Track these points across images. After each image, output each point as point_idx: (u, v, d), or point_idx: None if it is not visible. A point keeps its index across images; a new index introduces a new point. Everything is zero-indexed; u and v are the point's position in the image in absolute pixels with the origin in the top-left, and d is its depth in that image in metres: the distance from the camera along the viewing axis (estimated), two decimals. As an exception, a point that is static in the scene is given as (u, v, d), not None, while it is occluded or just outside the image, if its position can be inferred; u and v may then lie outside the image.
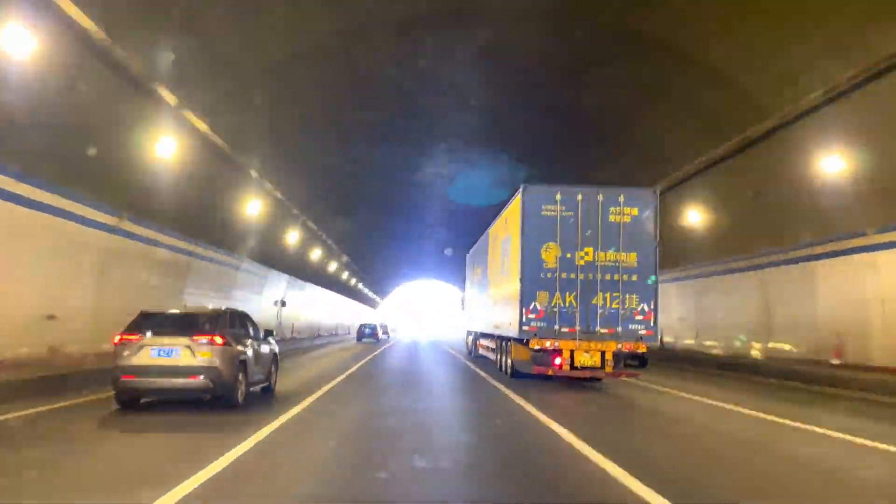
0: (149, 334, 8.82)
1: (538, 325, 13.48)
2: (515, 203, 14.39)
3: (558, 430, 8.34)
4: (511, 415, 10.52)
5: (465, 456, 7.28)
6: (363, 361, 21.81)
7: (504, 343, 16.89)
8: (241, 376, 9.43)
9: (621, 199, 13.78)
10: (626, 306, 13.48)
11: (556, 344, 13.37)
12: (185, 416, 8.81)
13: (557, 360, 13.38)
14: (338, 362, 21.25)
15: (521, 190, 13.92)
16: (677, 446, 8.21)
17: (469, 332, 27.48)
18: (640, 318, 13.47)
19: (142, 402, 9.40)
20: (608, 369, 13.51)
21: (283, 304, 31.12)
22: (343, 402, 11.44)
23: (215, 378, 8.73)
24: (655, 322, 13.55)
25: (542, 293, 13.53)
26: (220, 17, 13.11)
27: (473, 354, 25.68)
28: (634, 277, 13.55)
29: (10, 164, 11.09)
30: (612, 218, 13.67)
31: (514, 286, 14.14)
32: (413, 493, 5.57)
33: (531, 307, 13.50)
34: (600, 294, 13.48)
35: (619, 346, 13.43)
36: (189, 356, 8.66)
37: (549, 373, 13.52)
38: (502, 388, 13.91)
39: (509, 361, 16.18)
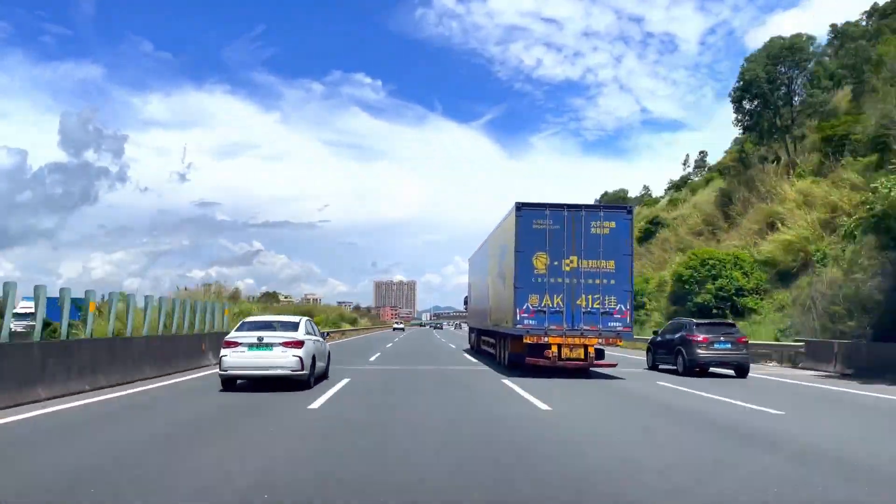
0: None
1: (530, 322, 15.72)
2: (510, 219, 16.63)
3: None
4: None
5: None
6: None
7: (501, 339, 19.14)
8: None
9: (601, 213, 16.06)
10: (606, 306, 15.72)
11: (546, 339, 15.63)
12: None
13: (547, 353, 15.64)
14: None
15: (514, 208, 16.16)
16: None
17: (472, 330, 29.78)
18: (618, 316, 15.72)
19: None
20: (590, 361, 15.75)
21: None
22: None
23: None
24: (632, 320, 15.80)
25: (533, 296, 15.77)
26: None
27: (476, 349, 27.95)
28: (612, 282, 15.79)
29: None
30: (593, 230, 15.92)
31: (510, 289, 16.38)
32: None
33: (524, 307, 15.75)
34: (584, 296, 15.73)
35: (600, 341, 15.69)
36: None
37: (541, 363, 15.77)
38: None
39: (506, 354, 18.42)
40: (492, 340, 22.21)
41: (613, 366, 16.35)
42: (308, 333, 13.00)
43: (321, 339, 14.45)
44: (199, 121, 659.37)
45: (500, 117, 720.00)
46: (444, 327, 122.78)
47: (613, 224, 15.97)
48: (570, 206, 16.11)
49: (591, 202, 40.54)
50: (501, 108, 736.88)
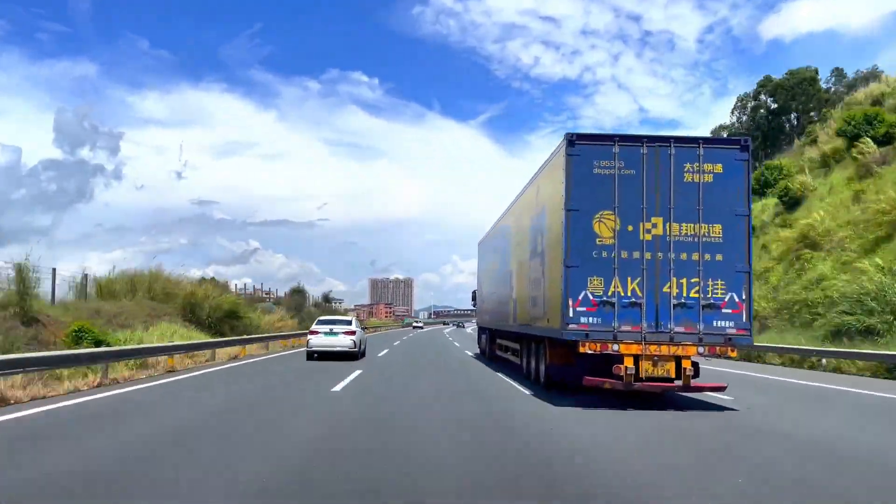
0: None
1: (590, 321, 10.02)
2: (557, 161, 10.91)
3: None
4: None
5: None
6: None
7: (535, 344, 13.44)
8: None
9: (700, 151, 10.32)
10: (710, 295, 10.02)
11: (616, 347, 9.92)
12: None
13: (617, 370, 9.94)
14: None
15: (565, 143, 10.43)
16: None
17: (483, 330, 24.02)
18: (728, 311, 10.02)
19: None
20: (686, 381, 10.03)
21: None
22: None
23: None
24: (750, 317, 10.08)
25: (595, 279, 10.07)
26: None
27: (489, 355, 22.28)
28: (720, 257, 10.09)
29: None
30: (688, 177, 10.23)
31: (556, 271, 10.68)
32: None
33: (581, 297, 10.04)
34: (674, 280, 10.03)
35: (702, 350, 9.98)
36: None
37: (607, 386, 10.08)
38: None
39: (542, 368, 12.75)
40: (515, 346, 16.51)
41: (722, 388, 10.61)
42: (357, 327, 20.91)
43: (362, 331, 22.34)
44: (196, 119, 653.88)
45: (498, 116, 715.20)
46: (465, 326, 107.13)
47: (720, 167, 10.26)
48: (651, 140, 10.40)
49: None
50: (499, 106, 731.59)
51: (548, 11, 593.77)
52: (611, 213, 10.15)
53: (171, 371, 14.67)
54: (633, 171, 10.22)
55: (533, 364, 13.74)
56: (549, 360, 12.03)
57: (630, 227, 10.13)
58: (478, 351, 26.11)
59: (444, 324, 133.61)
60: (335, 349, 19.25)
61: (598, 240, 10.13)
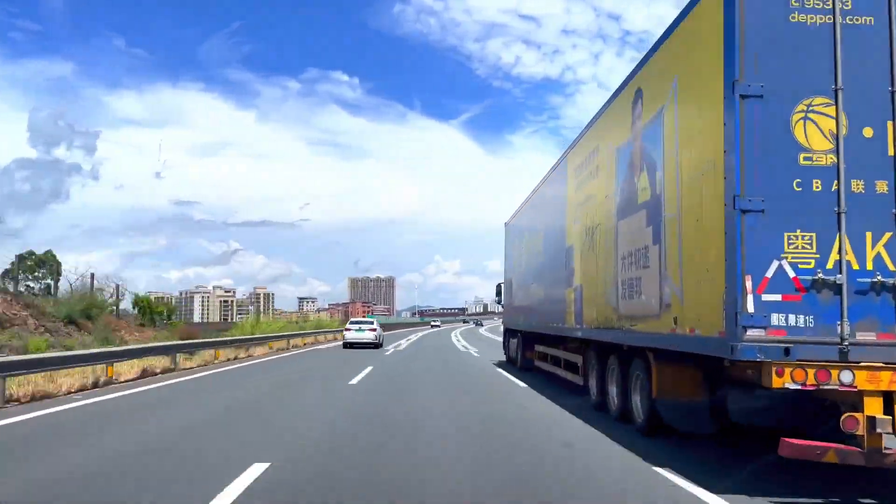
0: None
1: (790, 322, 4.88)
2: (704, 8, 5.73)
3: None
4: None
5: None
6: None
7: (621, 359, 8.26)
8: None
9: None
10: None
11: (848, 378, 4.76)
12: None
13: (851, 422, 4.76)
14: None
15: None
16: None
17: (513, 333, 18.78)
18: None
19: None
20: None
21: None
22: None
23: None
24: None
25: (798, 236, 4.94)
26: None
27: (520, 365, 17.15)
28: None
29: None
30: (984, 30, 5.04)
31: (700, 224, 5.55)
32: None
33: (771, 274, 4.89)
34: (962, 236, 4.87)
35: None
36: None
37: (830, 458, 4.88)
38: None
39: (638, 399, 7.64)
40: (572, 359, 11.32)
41: None
42: (378, 326, 31.04)
43: (381, 328, 32.31)
44: (174, 118, 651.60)
45: (479, 115, 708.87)
46: (482, 324, 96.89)
47: None
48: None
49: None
50: (481, 106, 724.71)
51: (528, 10, 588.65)
52: (827, 101, 5.00)
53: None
54: (872, 17, 5.07)
55: (614, 390, 8.60)
56: (658, 387, 6.85)
57: (868, 131, 4.99)
58: (503, 359, 20.94)
59: (465, 321, 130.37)
60: (362, 341, 28.65)
61: (802, 155, 4.99)
